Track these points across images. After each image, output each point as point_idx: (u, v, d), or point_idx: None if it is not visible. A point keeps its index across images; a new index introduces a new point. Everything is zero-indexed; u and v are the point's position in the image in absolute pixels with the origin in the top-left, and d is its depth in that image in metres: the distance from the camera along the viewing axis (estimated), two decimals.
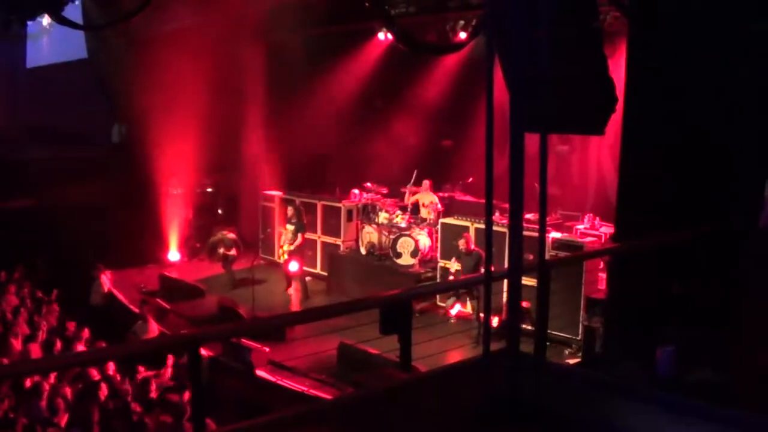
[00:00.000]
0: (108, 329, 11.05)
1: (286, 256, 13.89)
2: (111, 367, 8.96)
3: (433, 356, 7.38)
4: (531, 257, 5.45)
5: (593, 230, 11.42)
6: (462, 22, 13.13)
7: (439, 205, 13.40)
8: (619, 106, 3.74)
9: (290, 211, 14.13)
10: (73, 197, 15.13)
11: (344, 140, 15.91)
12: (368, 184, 14.43)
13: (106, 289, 13.27)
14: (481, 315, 10.47)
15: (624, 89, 6.21)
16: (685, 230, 5.81)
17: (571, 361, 9.12)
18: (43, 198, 15.80)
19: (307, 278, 14.03)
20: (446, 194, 14.13)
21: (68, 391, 8.03)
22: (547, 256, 9.37)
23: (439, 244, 12.72)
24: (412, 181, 13.83)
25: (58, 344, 9.81)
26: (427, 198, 13.58)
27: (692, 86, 5.97)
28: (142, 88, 15.45)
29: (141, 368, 9.35)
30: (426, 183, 13.67)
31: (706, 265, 5.74)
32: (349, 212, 14.42)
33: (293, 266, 13.51)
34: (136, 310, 12.16)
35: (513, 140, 2.91)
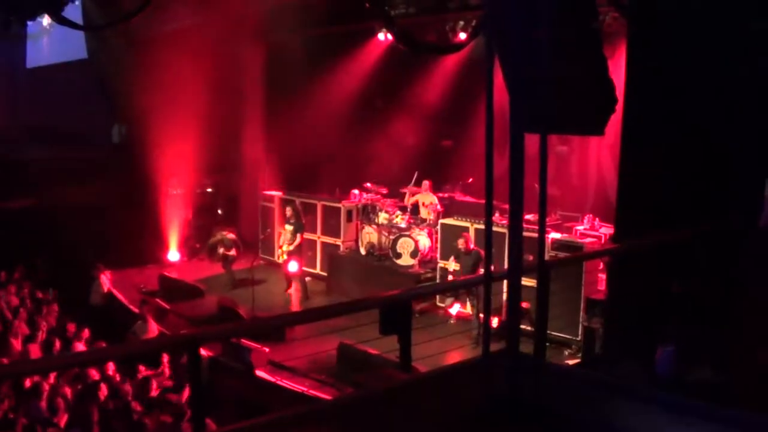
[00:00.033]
0: (108, 329, 11.05)
1: (285, 257, 13.89)
2: (111, 367, 8.96)
3: (432, 357, 7.39)
4: (531, 258, 5.46)
5: (593, 231, 11.42)
6: (462, 23, 13.14)
7: (439, 206, 13.41)
8: (619, 107, 3.73)
9: (289, 211, 14.14)
10: (73, 197, 15.13)
11: (344, 140, 15.90)
12: (368, 185, 14.43)
13: (105, 289, 13.27)
14: (481, 315, 10.48)
15: (624, 89, 6.21)
16: (685, 230, 5.81)
17: (571, 362, 9.12)
18: (43, 198, 15.80)
19: (307, 278, 14.03)
20: (446, 195, 14.13)
21: (68, 391, 8.03)
22: (546, 257, 9.38)
23: (438, 245, 12.72)
24: (412, 182, 13.83)
25: (57, 344, 9.80)
26: (427, 198, 13.59)
27: (692, 86, 5.96)
28: (142, 88, 15.45)
29: (141, 368, 9.36)
30: (426, 183, 13.68)
31: (706, 264, 5.74)
32: (349, 212, 14.42)
33: (293, 266, 13.51)
34: (136, 310, 12.16)
35: (513, 141, 2.92)
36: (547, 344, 8.03)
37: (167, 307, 12.63)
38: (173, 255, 16.41)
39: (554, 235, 10.98)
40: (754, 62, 5.59)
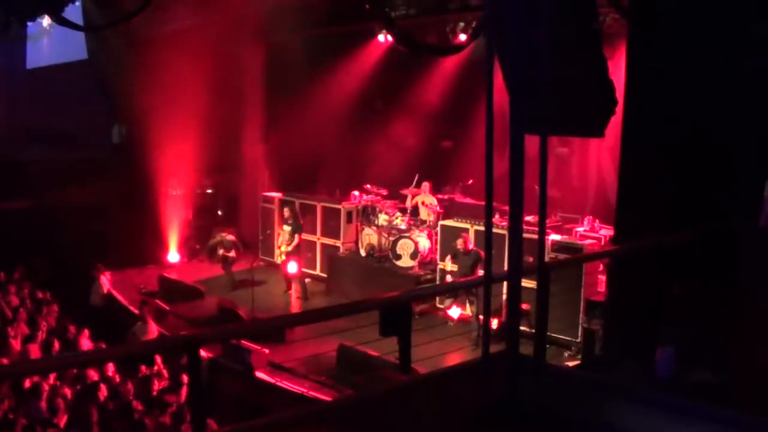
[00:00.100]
0: (107, 330, 11.05)
1: (283, 257, 13.92)
2: (111, 368, 8.95)
3: (432, 358, 7.38)
4: (531, 259, 5.45)
5: (593, 232, 11.43)
6: (462, 24, 13.14)
7: (438, 208, 13.42)
8: (619, 108, 3.74)
9: (287, 212, 14.17)
10: (72, 198, 15.14)
11: (344, 142, 15.91)
12: (368, 186, 14.43)
13: (105, 290, 13.26)
14: (480, 317, 10.47)
15: (624, 90, 6.22)
16: (685, 230, 5.81)
17: (571, 364, 9.12)
18: (42, 198, 15.81)
19: (307, 279, 14.03)
20: (446, 196, 14.13)
21: (68, 392, 8.03)
22: (546, 259, 9.37)
23: (438, 246, 12.72)
24: (413, 184, 13.82)
25: (56, 345, 9.80)
26: (427, 200, 13.59)
27: (692, 86, 5.97)
28: (142, 88, 15.46)
29: (142, 367, 9.35)
30: (426, 185, 13.68)
31: (705, 265, 5.74)
32: (349, 214, 14.42)
33: (292, 267, 13.51)
34: (136, 311, 12.16)
35: (513, 142, 2.91)
36: (547, 346, 8.05)
37: (167, 308, 12.63)
38: (173, 256, 16.41)
39: (554, 237, 10.98)
40: (754, 63, 5.60)
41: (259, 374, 9.71)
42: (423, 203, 13.58)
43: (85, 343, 9.96)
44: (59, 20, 9.92)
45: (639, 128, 6.39)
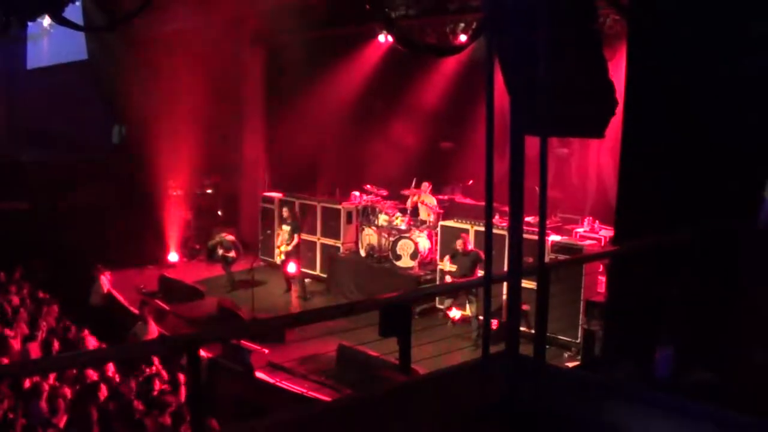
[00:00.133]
0: (107, 330, 11.05)
1: (283, 257, 13.94)
2: (111, 368, 8.95)
3: (432, 359, 7.38)
4: (530, 260, 5.46)
5: (593, 233, 11.43)
6: (462, 25, 13.16)
7: (437, 208, 13.42)
8: (619, 108, 3.74)
9: (285, 212, 14.25)
10: (72, 198, 15.16)
11: (344, 142, 15.92)
12: (368, 186, 14.44)
13: (105, 290, 13.26)
14: (480, 317, 10.48)
15: (624, 89, 6.22)
16: (684, 230, 5.81)
17: (571, 364, 9.12)
18: (42, 199, 15.81)
19: (307, 280, 14.05)
20: (446, 197, 14.13)
21: (68, 392, 8.02)
22: (546, 259, 9.39)
23: (438, 247, 12.72)
24: (412, 185, 13.82)
25: (56, 345, 9.79)
26: (427, 200, 13.60)
27: (692, 86, 5.97)
28: (142, 89, 15.47)
29: (143, 367, 9.35)
30: (426, 185, 13.68)
31: (704, 265, 5.74)
32: (349, 214, 14.43)
33: (291, 268, 13.53)
34: (136, 311, 12.16)
35: (513, 143, 2.91)
36: (547, 346, 8.05)
37: (167, 308, 12.63)
38: (173, 256, 16.42)
39: (554, 238, 10.99)
40: (754, 63, 5.60)
41: (259, 374, 9.71)
42: (423, 202, 13.58)
43: (92, 342, 9.96)
44: (59, 20, 9.91)
45: (639, 128, 6.39)
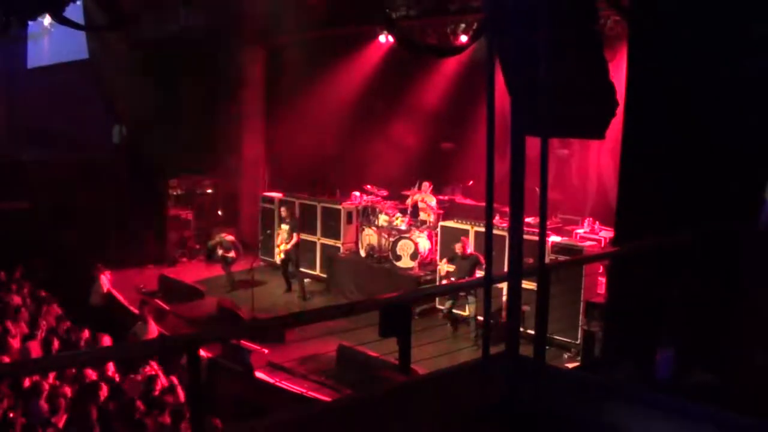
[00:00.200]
0: (107, 330, 11.04)
1: (282, 256, 13.95)
2: (111, 368, 8.95)
3: (432, 359, 7.38)
4: (531, 261, 5.45)
5: (593, 234, 11.42)
6: (463, 26, 13.16)
7: (436, 209, 13.42)
8: (620, 109, 3.74)
9: (284, 211, 14.32)
10: (73, 198, 15.13)
11: (345, 142, 15.91)
12: (368, 187, 14.44)
13: (105, 290, 13.26)
14: (480, 318, 10.47)
15: (625, 90, 6.22)
16: (684, 232, 5.81)
17: (571, 365, 9.12)
18: (42, 199, 15.79)
19: (306, 280, 14.06)
20: (446, 197, 14.13)
21: (68, 391, 8.02)
22: (546, 260, 9.38)
23: (438, 247, 12.72)
24: (415, 187, 13.81)
25: (56, 344, 9.80)
26: (427, 199, 13.59)
27: (693, 87, 5.98)
28: (142, 88, 15.46)
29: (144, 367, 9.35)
30: (426, 185, 13.67)
31: (705, 266, 5.74)
32: (349, 214, 14.43)
33: (291, 267, 13.54)
34: (136, 311, 12.16)
35: (514, 143, 2.92)
36: (547, 347, 8.05)
37: (167, 308, 12.63)
38: (173, 256, 16.43)
39: (554, 239, 10.99)
40: (754, 63, 5.60)
41: (259, 374, 9.71)
42: (423, 200, 13.57)
43: (106, 341, 9.97)
44: (60, 20, 9.92)
45: (639, 129, 6.39)
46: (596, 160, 13.04)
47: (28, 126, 21.25)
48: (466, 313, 11.34)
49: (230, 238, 14.97)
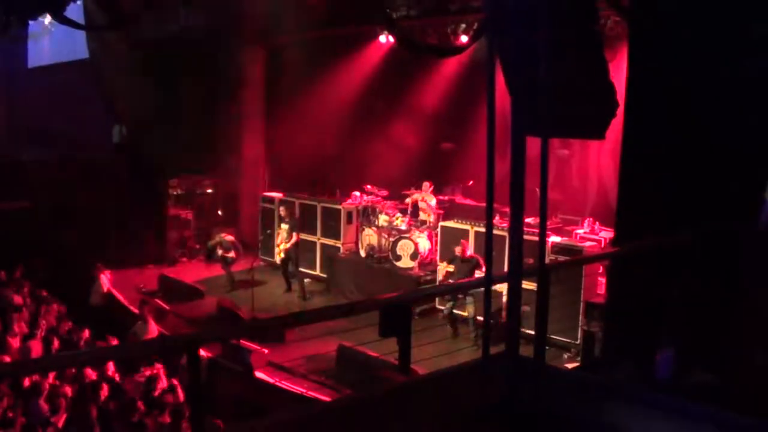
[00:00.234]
0: (107, 329, 11.05)
1: (282, 255, 13.96)
2: (111, 368, 8.95)
3: (432, 359, 7.38)
4: (531, 261, 5.45)
5: (593, 234, 11.42)
6: (463, 26, 13.16)
7: (437, 208, 13.41)
8: (620, 110, 3.74)
9: (284, 210, 14.35)
10: (73, 198, 15.14)
11: (345, 142, 15.91)
12: (368, 187, 14.44)
13: (105, 289, 13.27)
14: (480, 318, 10.47)
15: (625, 91, 6.22)
16: (684, 232, 5.81)
17: (570, 365, 9.12)
18: (42, 198, 15.80)
19: (306, 280, 14.06)
20: (446, 197, 14.13)
21: (68, 390, 8.03)
22: (546, 260, 9.38)
23: (438, 247, 12.72)
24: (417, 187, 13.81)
25: (56, 343, 9.80)
26: (428, 199, 13.59)
27: (693, 87, 5.98)
28: (142, 89, 15.46)
29: (144, 367, 9.35)
30: (426, 185, 13.67)
31: (705, 266, 5.74)
32: (349, 214, 14.42)
33: (291, 267, 13.54)
34: (136, 311, 12.16)
35: (514, 144, 2.91)
36: (547, 347, 8.05)
37: (167, 307, 12.63)
38: (173, 256, 16.43)
39: (554, 239, 10.99)
40: (754, 63, 5.60)
41: (259, 374, 9.71)
42: (423, 199, 13.57)
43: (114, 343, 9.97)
44: (61, 19, 9.93)
45: (639, 129, 6.39)
46: (596, 161, 13.05)
47: (28, 126, 21.23)
48: (466, 314, 11.33)
49: (230, 238, 14.97)
